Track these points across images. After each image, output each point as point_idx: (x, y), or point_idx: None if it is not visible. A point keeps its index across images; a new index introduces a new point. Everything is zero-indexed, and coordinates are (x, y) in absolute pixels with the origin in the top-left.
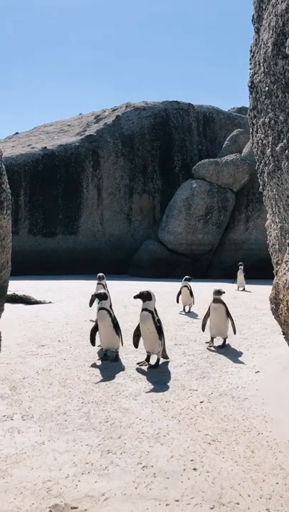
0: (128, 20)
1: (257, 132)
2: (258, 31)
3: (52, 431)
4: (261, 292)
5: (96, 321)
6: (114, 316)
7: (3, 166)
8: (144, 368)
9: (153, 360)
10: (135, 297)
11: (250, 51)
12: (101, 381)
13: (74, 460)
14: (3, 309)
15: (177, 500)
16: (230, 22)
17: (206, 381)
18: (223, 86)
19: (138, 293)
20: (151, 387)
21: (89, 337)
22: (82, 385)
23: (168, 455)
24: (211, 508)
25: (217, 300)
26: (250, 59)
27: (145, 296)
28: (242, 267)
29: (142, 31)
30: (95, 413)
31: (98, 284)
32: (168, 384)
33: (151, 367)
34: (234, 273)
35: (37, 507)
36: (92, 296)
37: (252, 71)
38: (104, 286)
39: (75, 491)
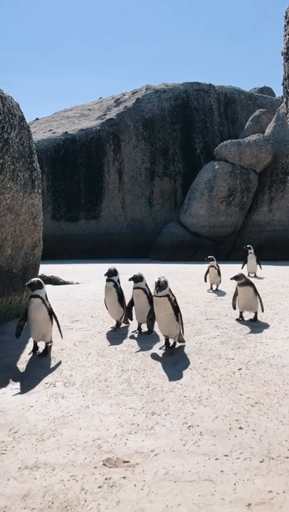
0: (145, 3)
1: None
2: None
3: (95, 396)
4: (287, 272)
5: (132, 297)
6: (150, 292)
7: (34, 145)
8: (161, 351)
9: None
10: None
11: (286, 16)
12: (138, 351)
13: (120, 421)
14: None
15: (226, 455)
16: (251, 1)
17: (242, 351)
18: (245, 66)
19: (156, 282)
20: (188, 356)
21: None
22: (120, 354)
23: (212, 416)
24: (261, 462)
25: (242, 284)
26: (285, 25)
27: (161, 286)
28: (252, 251)
29: (160, 14)
30: (135, 379)
31: None
32: (204, 354)
33: (169, 348)
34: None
35: (90, 461)
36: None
37: (288, 36)
38: None
39: (125, 447)
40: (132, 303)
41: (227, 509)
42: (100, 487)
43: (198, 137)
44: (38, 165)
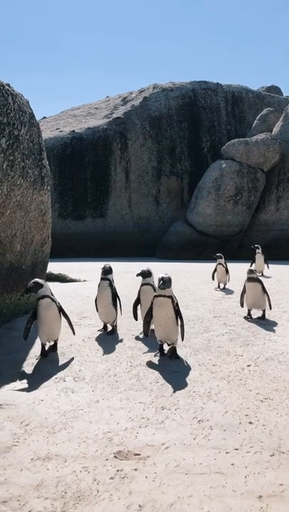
0: (152, 1)
1: None
2: None
3: (104, 390)
4: None
5: (138, 295)
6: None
7: (43, 142)
8: (156, 359)
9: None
10: (160, 285)
11: None
12: (147, 347)
13: (130, 415)
14: None
15: (237, 449)
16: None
17: (251, 348)
18: (253, 65)
19: (160, 278)
20: (197, 353)
21: (131, 310)
22: (128, 350)
23: (222, 411)
24: (271, 456)
25: (251, 279)
26: None
27: (165, 282)
28: (260, 250)
29: (167, 11)
30: (144, 375)
31: None
32: (213, 350)
33: (164, 355)
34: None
35: (101, 453)
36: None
37: None
38: None
39: (136, 440)
40: (138, 300)
41: (238, 501)
42: (111, 478)
43: (206, 136)
44: (47, 162)
